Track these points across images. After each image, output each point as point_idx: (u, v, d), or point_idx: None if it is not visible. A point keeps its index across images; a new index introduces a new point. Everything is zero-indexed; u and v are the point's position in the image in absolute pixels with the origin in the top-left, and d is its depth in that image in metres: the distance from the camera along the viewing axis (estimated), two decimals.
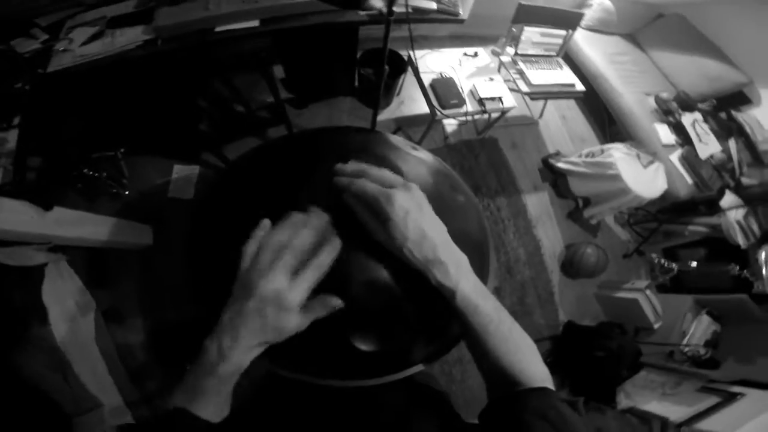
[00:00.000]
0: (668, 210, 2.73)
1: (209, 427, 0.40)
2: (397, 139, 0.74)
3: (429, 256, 0.44)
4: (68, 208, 1.54)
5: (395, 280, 0.49)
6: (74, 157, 1.81)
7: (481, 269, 0.61)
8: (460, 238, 0.52)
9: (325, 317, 0.46)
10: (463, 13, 1.85)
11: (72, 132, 1.76)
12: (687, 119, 2.70)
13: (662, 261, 2.73)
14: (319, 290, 0.45)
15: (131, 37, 1.49)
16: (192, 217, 0.65)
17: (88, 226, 1.64)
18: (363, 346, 0.49)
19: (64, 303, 1.63)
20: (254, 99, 1.82)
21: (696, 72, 2.90)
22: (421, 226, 0.44)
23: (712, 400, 1.86)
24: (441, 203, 0.59)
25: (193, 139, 2.03)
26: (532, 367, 0.47)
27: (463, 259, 0.48)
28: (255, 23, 1.54)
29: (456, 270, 0.45)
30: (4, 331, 1.43)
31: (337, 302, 0.45)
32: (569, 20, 2.47)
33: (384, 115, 2.62)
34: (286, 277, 0.42)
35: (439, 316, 0.52)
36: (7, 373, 1.38)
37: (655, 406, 1.99)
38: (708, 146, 2.66)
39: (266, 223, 0.47)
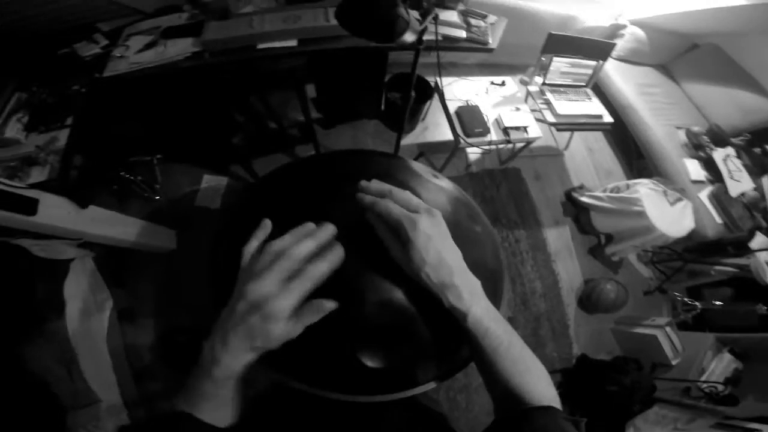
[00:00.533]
0: (694, 249, 2.64)
1: (213, 431, 0.41)
2: (419, 166, 0.76)
3: (445, 281, 0.45)
4: (102, 208, 1.62)
5: (406, 300, 0.50)
6: (116, 158, 1.91)
7: (493, 300, 0.62)
8: (474, 267, 0.53)
9: (334, 332, 0.47)
10: (493, 42, 1.88)
11: (118, 135, 1.86)
12: (718, 154, 2.61)
13: (685, 299, 2.63)
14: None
15: (181, 48, 1.59)
16: (217, 228, 0.68)
17: (119, 227, 1.72)
18: (370, 363, 0.50)
19: (83, 299, 1.69)
20: (286, 116, 1.89)
21: (730, 104, 2.83)
22: (440, 251, 0.45)
23: None
24: (458, 232, 0.60)
25: (226, 151, 2.12)
26: (540, 389, 0.47)
27: (476, 285, 0.49)
28: (293, 43, 1.62)
29: (469, 295, 0.46)
30: (19, 321, 1.48)
31: (329, 305, 0.43)
32: (600, 50, 2.46)
33: (408, 140, 2.65)
34: (278, 283, 0.41)
35: (448, 337, 0.53)
36: (12, 361, 1.42)
37: None
38: (740, 183, 2.56)
39: (267, 223, 0.48)
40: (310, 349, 0.48)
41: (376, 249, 0.50)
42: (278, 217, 0.61)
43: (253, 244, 0.46)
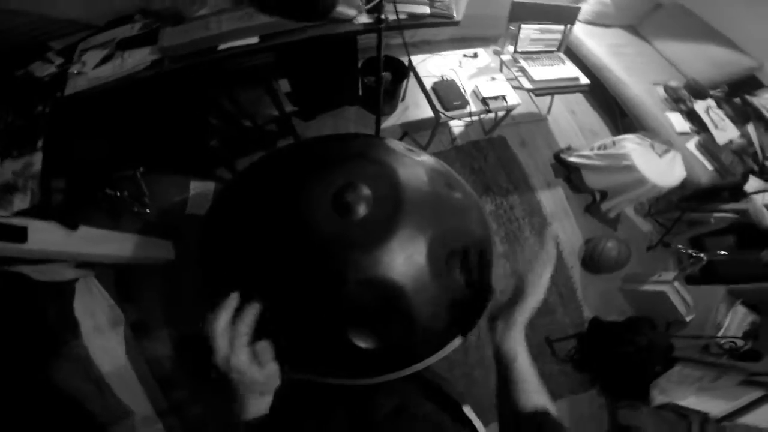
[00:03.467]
0: (691, 198, 2.63)
1: None
2: (394, 143, 0.77)
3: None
4: (94, 227, 1.62)
5: (390, 278, 0.52)
6: (96, 177, 1.91)
7: (482, 265, 0.62)
8: (458, 234, 0.53)
9: (321, 314, 0.50)
10: (458, 15, 1.89)
11: (92, 153, 1.86)
12: (700, 106, 2.64)
13: (689, 251, 2.62)
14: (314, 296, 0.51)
15: (139, 58, 1.57)
16: (202, 225, 0.70)
17: (113, 244, 1.72)
18: (361, 343, 0.51)
19: (95, 317, 1.69)
20: (260, 113, 1.89)
21: (703, 59, 2.86)
22: None
23: (756, 393, 1.74)
24: (437, 201, 0.60)
25: (206, 156, 2.10)
26: (541, 399, 0.56)
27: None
28: (255, 39, 1.62)
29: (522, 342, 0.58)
30: (40, 345, 1.48)
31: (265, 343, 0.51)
32: (566, 15, 2.49)
33: (390, 121, 2.67)
34: (227, 347, 0.48)
35: (435, 316, 0.55)
36: (44, 385, 1.43)
37: (693, 401, 1.88)
38: (725, 132, 2.58)
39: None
40: (299, 335, 0.51)
41: (359, 229, 0.52)
42: (259, 210, 0.62)
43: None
